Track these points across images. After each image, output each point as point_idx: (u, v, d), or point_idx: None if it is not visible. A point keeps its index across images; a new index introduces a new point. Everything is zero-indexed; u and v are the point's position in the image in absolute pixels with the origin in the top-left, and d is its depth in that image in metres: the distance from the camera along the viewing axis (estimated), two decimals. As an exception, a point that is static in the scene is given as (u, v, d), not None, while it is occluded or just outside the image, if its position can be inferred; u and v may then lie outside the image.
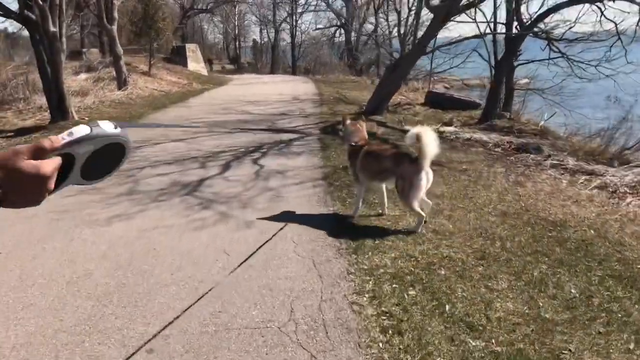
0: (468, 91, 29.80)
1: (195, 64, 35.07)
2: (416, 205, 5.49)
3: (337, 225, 5.97)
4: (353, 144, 5.92)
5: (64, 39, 14.62)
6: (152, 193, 7.34)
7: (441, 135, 12.13)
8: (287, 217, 6.25)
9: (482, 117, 15.64)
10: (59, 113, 14.06)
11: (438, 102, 19.52)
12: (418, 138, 5.26)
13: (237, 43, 58.03)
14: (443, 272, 4.79)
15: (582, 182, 8.25)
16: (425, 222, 5.74)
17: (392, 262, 4.97)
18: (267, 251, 5.22)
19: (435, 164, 8.03)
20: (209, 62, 47.45)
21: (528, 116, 20.07)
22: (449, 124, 14.64)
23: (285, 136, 11.82)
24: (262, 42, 55.89)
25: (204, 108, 17.38)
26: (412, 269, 4.82)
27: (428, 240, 5.55)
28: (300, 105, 17.63)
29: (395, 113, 16.62)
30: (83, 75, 23.40)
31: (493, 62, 18.27)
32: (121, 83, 21.04)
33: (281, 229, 5.77)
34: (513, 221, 6.27)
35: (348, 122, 6.17)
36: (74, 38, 47.23)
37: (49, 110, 14.36)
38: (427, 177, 5.40)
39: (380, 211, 6.32)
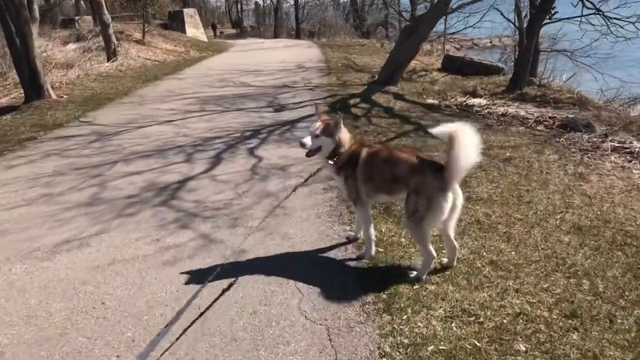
0: (484, 53, 27.73)
1: (194, 29, 33.03)
2: (428, 239, 3.84)
3: (357, 257, 4.35)
4: (342, 151, 4.16)
5: (35, 7, 12.85)
6: (118, 203, 5.73)
7: (469, 110, 10.40)
8: (289, 243, 4.64)
9: (510, 85, 13.81)
10: (33, 91, 12.39)
11: (457, 67, 17.64)
12: (451, 140, 3.53)
13: (239, 6, 55.60)
14: (522, 348, 3.17)
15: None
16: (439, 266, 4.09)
17: (444, 328, 3.37)
18: (261, 311, 3.61)
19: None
20: (212, 27, 45.29)
21: (557, 81, 18.23)
22: (474, 94, 12.82)
23: (288, 115, 10.10)
24: (265, 4, 53.46)
25: (199, 80, 15.63)
26: (476, 343, 3.21)
27: (487, 280, 3.93)
28: (304, 75, 15.81)
29: (411, 81, 14.81)
30: (72, 46, 21.55)
31: (516, 21, 16.37)
32: (110, 53, 19.22)
33: (281, 274, 4.16)
34: (594, 240, 4.64)
35: (319, 124, 4.20)
36: (67, 4, 45.09)
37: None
38: (454, 200, 3.73)
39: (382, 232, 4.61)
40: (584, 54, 18.55)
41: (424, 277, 3.94)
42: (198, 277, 4.09)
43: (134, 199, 5.85)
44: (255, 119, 9.88)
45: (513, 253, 4.39)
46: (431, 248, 3.90)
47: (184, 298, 3.79)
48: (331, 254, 4.42)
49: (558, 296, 3.77)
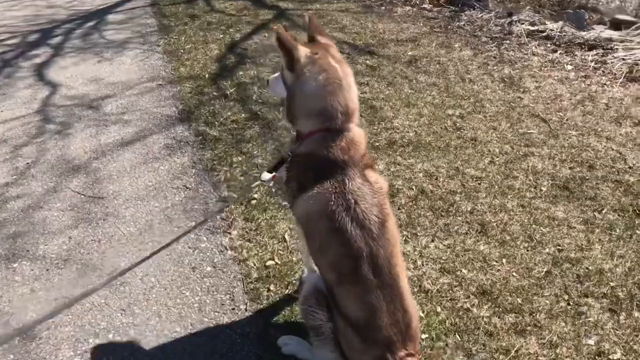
0: None
1: None
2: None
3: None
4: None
5: None
6: None
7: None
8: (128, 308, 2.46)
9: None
10: None
11: None
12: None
13: None
14: None
15: (596, 68, 5.18)
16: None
17: None
18: None
19: (363, 52, 5.02)
20: None
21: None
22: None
23: (93, 1, 7.15)
24: None
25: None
26: None
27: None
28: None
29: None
30: None
31: None
32: None
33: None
34: (595, 208, 3.03)
35: (301, 50, 1.92)
36: None
37: None
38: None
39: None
40: None
41: None
42: None
43: None
44: (43, 10, 6.80)
45: (516, 278, 2.62)
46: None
47: None
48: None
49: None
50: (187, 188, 3.23)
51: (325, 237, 1.91)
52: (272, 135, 3.78)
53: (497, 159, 3.59)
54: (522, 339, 2.27)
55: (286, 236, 2.82)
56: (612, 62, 5.31)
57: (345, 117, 1.93)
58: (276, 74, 2.15)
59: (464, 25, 6.34)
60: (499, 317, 2.37)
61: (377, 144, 3.69)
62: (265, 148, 3.62)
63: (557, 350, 2.22)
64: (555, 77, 4.93)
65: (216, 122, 3.95)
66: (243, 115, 4.07)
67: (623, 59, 5.34)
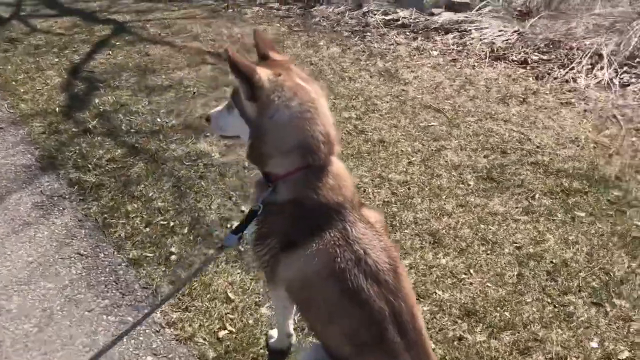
0: None
1: None
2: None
3: None
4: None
5: None
6: None
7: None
8: None
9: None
10: None
11: None
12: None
13: None
14: None
15: (460, 51, 5.33)
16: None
17: None
18: None
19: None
20: None
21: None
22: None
23: None
24: None
25: None
26: None
27: None
28: None
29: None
30: None
31: None
32: None
33: None
34: (522, 198, 2.99)
35: (262, 72, 1.50)
36: None
37: None
38: None
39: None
40: None
41: None
42: None
43: None
44: None
45: (493, 289, 2.42)
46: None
47: None
48: None
49: None
50: (82, 256, 2.57)
51: (336, 303, 1.53)
52: (163, 170, 3.20)
53: (413, 158, 3.40)
54: (530, 358, 2.06)
55: (230, 294, 2.34)
56: (471, 44, 5.44)
57: (328, 148, 1.56)
58: (219, 107, 1.70)
59: (320, 21, 6.14)
60: (496, 339, 2.15)
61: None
62: (161, 187, 3.04)
63: (569, 363, 2.04)
64: (428, 65, 4.91)
65: (89, 165, 3.26)
66: (119, 151, 3.42)
67: (481, 40, 5.50)
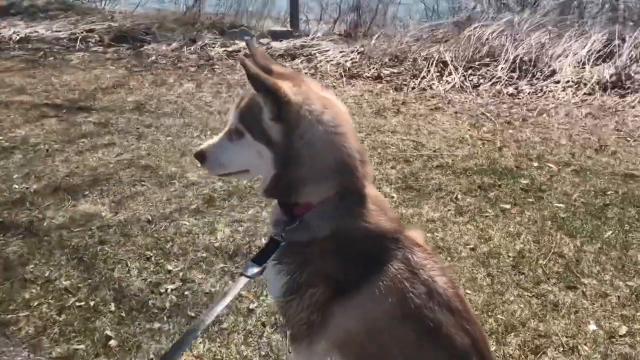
0: None
1: None
2: None
3: None
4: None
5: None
6: None
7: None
8: None
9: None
10: None
11: None
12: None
13: None
14: None
15: (313, 74, 5.34)
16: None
17: None
18: None
19: (75, 111, 4.15)
20: None
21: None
22: None
23: None
24: None
25: None
26: None
27: None
28: None
29: None
30: None
31: None
32: None
33: None
34: (448, 200, 3.00)
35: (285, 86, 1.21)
36: None
37: None
38: None
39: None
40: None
41: None
42: None
43: None
44: None
45: (474, 295, 2.30)
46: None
47: None
48: None
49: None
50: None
51: (417, 346, 1.26)
52: (49, 243, 2.57)
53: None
54: (545, 356, 1.97)
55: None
56: (321, 66, 5.45)
57: (364, 169, 1.30)
58: (216, 139, 1.35)
59: (157, 59, 5.71)
60: (504, 345, 2.02)
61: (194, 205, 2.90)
62: (58, 263, 2.43)
63: (581, 352, 1.99)
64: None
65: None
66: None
67: (328, 62, 5.54)
